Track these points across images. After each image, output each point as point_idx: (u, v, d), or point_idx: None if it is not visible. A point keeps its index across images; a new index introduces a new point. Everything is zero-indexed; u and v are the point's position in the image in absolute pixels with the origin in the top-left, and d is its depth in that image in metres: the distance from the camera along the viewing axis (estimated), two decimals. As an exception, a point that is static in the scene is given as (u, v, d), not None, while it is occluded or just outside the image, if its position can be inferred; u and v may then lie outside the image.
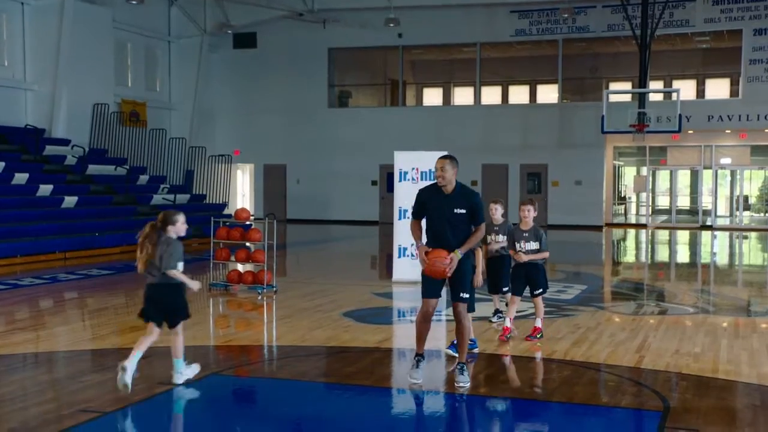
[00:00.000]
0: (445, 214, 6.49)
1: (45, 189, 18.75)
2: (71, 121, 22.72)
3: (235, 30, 28.45)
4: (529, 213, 8.37)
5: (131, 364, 6.17)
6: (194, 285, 6.59)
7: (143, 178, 23.05)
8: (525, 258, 8.27)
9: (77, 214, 18.81)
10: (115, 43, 25.16)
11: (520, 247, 8.34)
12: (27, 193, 18.39)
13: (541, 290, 8.47)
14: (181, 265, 6.31)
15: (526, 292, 8.58)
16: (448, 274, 6.39)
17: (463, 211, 6.47)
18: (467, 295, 6.64)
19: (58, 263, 15.98)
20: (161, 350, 8.17)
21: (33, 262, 15.58)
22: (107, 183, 21.41)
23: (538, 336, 8.34)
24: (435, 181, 6.60)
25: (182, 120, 28.39)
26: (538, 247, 8.33)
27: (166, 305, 6.59)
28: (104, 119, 23.86)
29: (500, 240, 8.89)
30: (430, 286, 6.55)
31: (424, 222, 6.72)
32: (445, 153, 6.96)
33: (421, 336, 6.64)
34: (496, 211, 9.03)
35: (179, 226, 6.78)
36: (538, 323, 8.44)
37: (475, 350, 7.67)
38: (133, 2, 24.30)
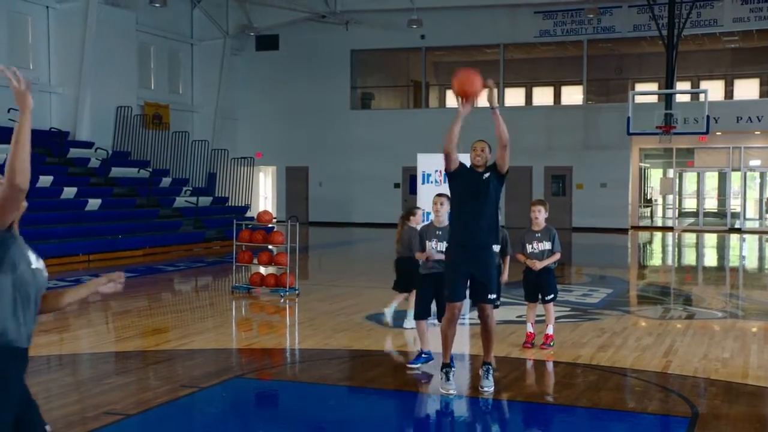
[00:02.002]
0: (475, 182, 6.55)
1: (69, 191, 18.90)
2: (95, 124, 22.87)
3: (258, 32, 28.57)
4: (540, 214, 8.25)
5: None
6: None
7: (166, 181, 23.16)
8: (540, 266, 8.15)
9: (101, 217, 18.93)
10: (139, 46, 25.31)
11: (532, 248, 8.22)
12: (51, 196, 18.53)
13: (552, 296, 8.29)
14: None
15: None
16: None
17: (489, 175, 6.57)
18: (494, 296, 6.60)
19: (82, 265, 16.10)
20: (181, 352, 8.23)
21: (57, 265, 15.68)
22: (130, 185, 21.54)
23: (551, 344, 8.24)
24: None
25: (205, 122, 28.52)
26: (551, 247, 8.22)
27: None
28: (127, 122, 24.01)
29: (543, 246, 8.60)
30: (457, 288, 6.45)
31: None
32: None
33: (448, 343, 6.52)
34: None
35: (418, 218, 9.01)
36: (550, 330, 8.27)
37: (431, 362, 7.32)
38: (156, 5, 24.46)
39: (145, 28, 25.51)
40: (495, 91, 6.63)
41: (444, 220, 7.24)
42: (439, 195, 7.46)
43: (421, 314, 7.41)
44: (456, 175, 6.60)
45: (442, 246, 7.04)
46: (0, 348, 3.03)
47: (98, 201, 19.25)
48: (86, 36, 22.41)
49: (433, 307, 7.35)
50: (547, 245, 8.18)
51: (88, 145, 22.26)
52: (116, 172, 21.65)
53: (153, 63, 26.87)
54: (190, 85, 28.78)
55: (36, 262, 3.17)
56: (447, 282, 6.56)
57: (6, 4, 21.01)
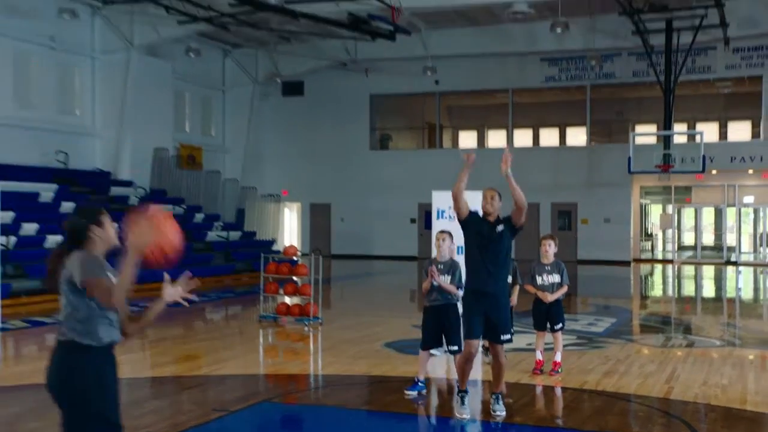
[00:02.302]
0: (488, 234, 6.41)
1: (110, 227, 19.05)
2: (134, 164, 23.03)
3: (284, 79, 28.80)
4: (550, 247, 8.21)
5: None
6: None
7: (199, 216, 23.27)
8: (551, 298, 8.12)
9: (138, 250, 19.03)
10: (175, 92, 25.57)
11: (542, 280, 8.19)
12: (93, 231, 18.68)
13: (560, 325, 8.27)
14: None
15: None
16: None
17: (503, 228, 6.44)
18: (508, 337, 6.46)
19: (121, 296, 16.15)
20: (213, 378, 8.22)
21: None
22: (167, 221, 21.68)
23: (559, 370, 8.17)
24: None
25: (235, 162, 28.68)
26: (560, 280, 8.18)
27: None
28: (164, 162, 24.21)
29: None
30: (473, 326, 6.35)
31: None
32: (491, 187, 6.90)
33: (465, 375, 6.48)
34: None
35: None
36: (558, 357, 8.21)
37: (423, 391, 7.25)
38: (191, 55, 24.75)
39: (181, 76, 25.78)
40: (508, 158, 6.56)
41: (445, 255, 7.25)
42: (442, 232, 7.45)
43: (424, 343, 7.39)
44: (468, 224, 6.51)
45: (446, 279, 7.05)
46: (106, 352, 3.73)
47: (137, 235, 19.37)
48: (127, 84, 22.66)
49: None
50: (556, 278, 8.15)
51: (127, 183, 22.42)
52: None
53: (188, 108, 27.11)
54: (222, 128, 28.99)
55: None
56: (464, 321, 6.50)
57: (56, 55, 21.31)
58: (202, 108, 27.94)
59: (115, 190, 21.71)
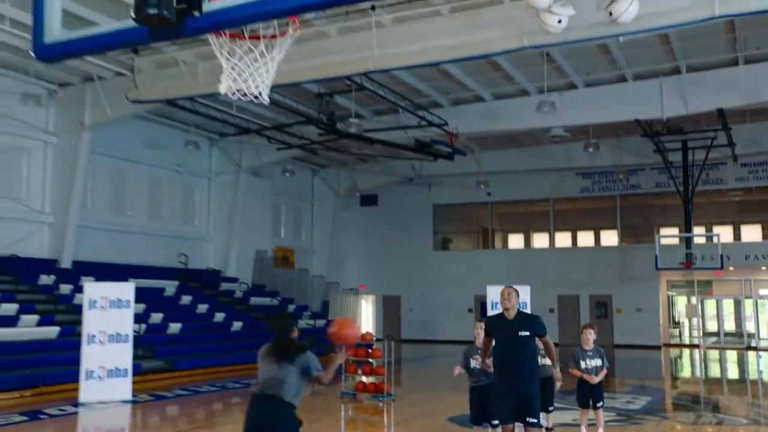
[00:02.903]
0: (511, 337, 6.05)
1: (219, 316, 19.35)
2: (240, 264, 23.54)
3: (362, 192, 29.34)
4: (590, 335, 8.08)
5: None
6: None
7: (291, 307, 23.48)
8: (597, 380, 7.96)
9: (242, 336, 19.18)
10: (273, 205, 26.26)
11: (585, 364, 8.04)
12: (206, 320, 19.01)
13: (602, 403, 8.09)
14: None
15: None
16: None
17: (527, 333, 6.04)
18: (535, 420, 6.10)
19: (227, 374, 16.26)
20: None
21: (208, 374, 15.93)
22: (264, 311, 21.90)
23: None
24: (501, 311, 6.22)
25: (321, 261, 29.05)
26: (601, 363, 8.02)
27: None
28: (263, 262, 24.68)
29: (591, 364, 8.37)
30: (503, 413, 6.09)
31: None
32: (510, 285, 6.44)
33: None
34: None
35: None
36: None
37: None
38: (287, 175, 25.54)
39: (278, 192, 26.52)
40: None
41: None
42: (480, 320, 7.42)
43: (474, 419, 7.36)
44: (492, 331, 6.30)
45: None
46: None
47: (240, 323, 19.61)
48: (236, 199, 23.39)
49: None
50: (597, 361, 8.02)
51: (234, 280, 22.89)
52: (254, 301, 22.13)
53: (283, 217, 27.73)
54: (311, 233, 29.49)
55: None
56: (495, 409, 6.29)
57: (181, 178, 22.23)
58: (295, 217, 28.55)
59: (224, 285, 22.20)
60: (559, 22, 9.71)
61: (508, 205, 30.18)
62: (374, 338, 13.12)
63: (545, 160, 25.62)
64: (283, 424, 4.69)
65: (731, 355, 24.28)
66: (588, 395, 8.06)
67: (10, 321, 14.21)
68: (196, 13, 3.15)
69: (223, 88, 4.79)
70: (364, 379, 12.72)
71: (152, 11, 3.03)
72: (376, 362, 12.40)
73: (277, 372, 4.78)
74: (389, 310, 29.84)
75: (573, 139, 22.93)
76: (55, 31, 3.47)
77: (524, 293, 13.71)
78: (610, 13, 9.22)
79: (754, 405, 12.46)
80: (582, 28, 10.85)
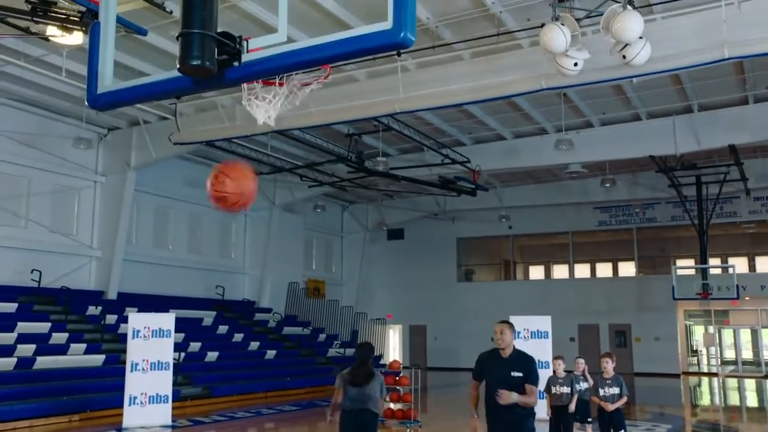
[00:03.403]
0: (503, 377, 5.26)
1: (254, 345, 19.37)
2: (273, 295, 23.61)
3: (389, 227, 29.39)
4: (608, 364, 7.91)
5: None
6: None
7: (322, 336, 23.44)
8: (612, 407, 7.80)
9: (275, 364, 19.19)
10: (305, 239, 26.38)
11: (604, 392, 7.89)
12: (242, 348, 19.03)
13: (622, 430, 7.90)
14: None
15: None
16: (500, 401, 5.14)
17: (520, 374, 5.23)
18: None
19: (261, 401, 16.26)
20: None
21: (244, 400, 15.90)
22: (297, 340, 21.89)
23: None
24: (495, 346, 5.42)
25: (350, 293, 29.02)
26: (619, 391, 7.86)
27: None
28: (295, 293, 24.73)
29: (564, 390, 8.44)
30: None
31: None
32: (504, 320, 5.75)
33: None
34: (559, 366, 8.66)
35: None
36: None
37: None
38: (318, 210, 25.70)
39: (310, 226, 26.66)
40: (503, 395, 5.18)
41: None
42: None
43: None
44: (483, 370, 5.52)
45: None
46: None
47: (274, 352, 19.61)
48: (270, 234, 23.57)
49: None
50: (616, 390, 7.87)
51: (267, 310, 22.94)
52: (287, 330, 22.13)
53: (314, 250, 27.81)
54: (340, 266, 29.53)
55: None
56: None
57: (219, 215, 22.37)
58: (326, 250, 28.62)
59: (258, 316, 22.25)
60: (575, 65, 9.75)
61: (529, 237, 29.97)
62: (401, 366, 13.02)
63: (564, 195, 25.46)
64: (374, 429, 6.07)
65: (749, 384, 23.60)
66: (608, 423, 7.90)
67: (61, 349, 14.39)
68: (236, 64, 3.24)
69: (260, 119, 4.87)
70: (392, 405, 12.59)
71: (195, 62, 3.12)
72: (403, 389, 12.29)
73: (365, 390, 6.01)
74: (415, 339, 29.61)
75: (590, 175, 22.80)
76: (107, 81, 3.58)
77: (545, 323, 13.53)
78: (624, 56, 9.24)
79: (774, 433, 12.07)
80: (597, 71, 10.89)
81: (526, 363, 5.34)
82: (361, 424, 5.98)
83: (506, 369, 5.28)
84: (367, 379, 6.03)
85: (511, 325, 5.44)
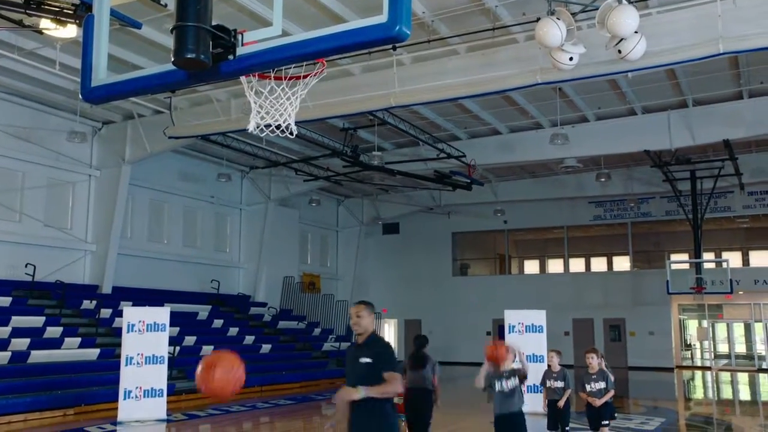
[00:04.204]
0: (352, 365, 4.52)
1: (249, 339, 19.36)
2: (268, 290, 23.58)
3: (384, 221, 29.39)
4: (593, 360, 7.85)
5: None
6: None
7: (317, 331, 23.45)
8: (599, 403, 7.77)
9: (270, 358, 19.19)
10: (300, 233, 26.35)
11: (590, 387, 7.85)
12: (237, 342, 18.98)
13: (607, 422, 7.83)
14: None
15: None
16: (334, 401, 4.48)
17: (369, 360, 4.40)
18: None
19: (256, 395, 16.26)
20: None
21: (239, 394, 15.85)
22: (292, 334, 21.90)
23: None
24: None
25: (345, 287, 29.03)
26: (605, 386, 7.83)
27: None
28: (290, 287, 24.71)
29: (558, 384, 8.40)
30: None
31: None
32: (363, 300, 4.92)
33: None
34: (553, 360, 8.49)
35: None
36: None
37: None
38: (313, 205, 25.67)
39: (305, 221, 26.63)
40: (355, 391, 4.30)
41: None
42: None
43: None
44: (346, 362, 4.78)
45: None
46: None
47: (269, 346, 19.61)
48: (265, 228, 23.51)
49: None
50: (602, 384, 7.81)
51: (263, 305, 22.92)
52: (282, 324, 22.13)
53: (309, 245, 27.80)
54: (335, 260, 29.52)
55: None
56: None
57: (214, 208, 22.46)
58: (321, 244, 28.62)
59: (253, 310, 22.24)
60: (571, 59, 9.75)
61: (524, 232, 30.02)
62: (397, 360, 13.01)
63: (559, 189, 25.50)
64: (429, 403, 7.67)
65: (742, 377, 23.74)
66: (595, 416, 7.93)
67: (55, 343, 14.36)
68: (231, 57, 3.23)
69: (251, 126, 4.87)
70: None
71: (190, 55, 3.11)
72: (398, 383, 12.29)
73: (422, 372, 7.61)
74: (411, 333, 29.60)
75: (585, 170, 22.84)
76: (101, 74, 3.57)
77: (540, 317, 13.58)
78: (619, 51, 9.24)
79: (767, 426, 12.14)
80: (592, 65, 10.89)
81: (375, 346, 4.49)
82: (419, 399, 7.53)
83: (356, 356, 4.48)
84: (422, 363, 7.68)
85: (370, 306, 4.63)
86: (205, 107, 16.01)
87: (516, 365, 6.45)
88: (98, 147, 18.31)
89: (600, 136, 18.47)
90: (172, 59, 3.16)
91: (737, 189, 23.56)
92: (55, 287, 16.53)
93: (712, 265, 25.00)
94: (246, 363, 14.11)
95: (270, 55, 3.16)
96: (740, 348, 29.29)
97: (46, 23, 7.87)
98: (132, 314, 12.34)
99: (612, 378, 7.97)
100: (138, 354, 12.04)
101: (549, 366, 8.64)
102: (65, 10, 7.38)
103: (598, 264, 29.70)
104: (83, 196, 18.14)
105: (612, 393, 7.87)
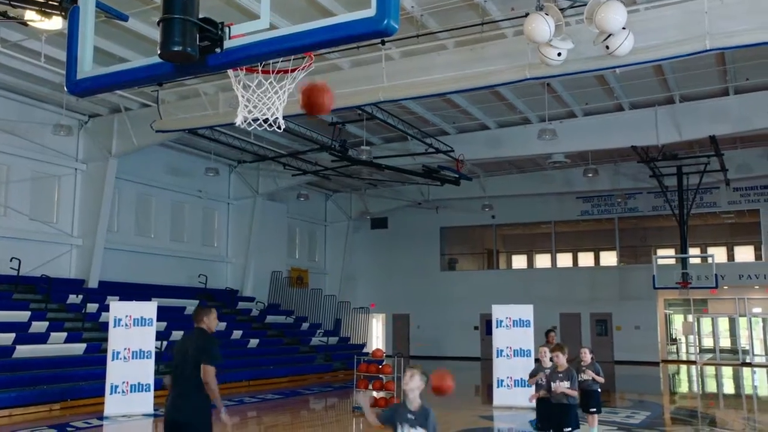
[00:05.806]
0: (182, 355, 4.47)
1: (237, 333, 19.31)
2: (256, 284, 23.54)
3: (372, 216, 29.38)
4: (559, 358, 7.58)
5: None
6: None
7: (305, 325, 23.44)
8: (561, 390, 7.44)
9: (258, 352, 19.15)
10: (288, 228, 26.30)
11: (554, 386, 7.53)
12: (225, 337, 18.90)
13: (570, 428, 7.40)
14: None
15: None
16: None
17: (194, 351, 4.76)
18: None
19: (244, 389, 16.25)
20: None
21: (226, 389, 15.82)
22: (279, 329, 21.88)
23: None
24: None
25: (333, 282, 29.03)
26: (569, 385, 7.47)
27: None
28: (278, 282, 24.68)
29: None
30: None
31: None
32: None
33: None
34: (545, 355, 8.36)
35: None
36: None
37: None
38: (301, 199, 25.62)
39: (293, 215, 26.59)
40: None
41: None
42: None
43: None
44: None
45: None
46: None
47: (257, 340, 19.57)
48: (253, 222, 23.46)
49: None
50: (566, 384, 7.46)
51: (250, 299, 22.89)
52: (270, 319, 22.10)
53: (297, 239, 27.76)
54: (324, 255, 29.50)
55: None
56: None
57: (202, 202, 22.35)
58: (309, 239, 28.58)
59: (241, 304, 22.20)
60: (559, 55, 9.78)
61: (512, 227, 30.12)
62: (384, 355, 13.06)
63: (547, 184, 25.59)
64: None
65: (727, 371, 23.98)
66: (547, 417, 7.78)
67: (41, 338, 14.26)
68: (218, 50, 3.21)
69: (239, 120, 4.85)
70: (374, 394, 12.64)
71: (177, 48, 3.09)
72: (386, 378, 12.34)
73: None
74: (398, 327, 29.71)
75: (573, 165, 22.93)
76: (86, 67, 3.54)
77: (527, 312, 13.64)
78: (607, 47, 9.28)
79: (750, 419, 12.28)
80: (580, 61, 10.93)
81: (198, 337, 4.64)
82: None
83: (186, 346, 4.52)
84: None
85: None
86: (192, 101, 15.92)
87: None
88: (84, 140, 18.16)
89: (588, 131, 18.56)
90: (159, 52, 3.13)
91: (723, 185, 23.76)
92: (40, 281, 16.40)
93: (697, 261, 25.21)
94: (233, 358, 14.23)
95: (258, 48, 3.15)
96: (725, 342, 29.60)
97: (31, 15, 7.79)
98: (119, 309, 12.27)
99: (589, 376, 7.89)
100: (125, 349, 11.99)
101: (539, 361, 8.55)
102: (50, 2, 7.31)
103: (586, 259, 29.86)
104: (69, 189, 18.00)
105: (575, 393, 7.57)
